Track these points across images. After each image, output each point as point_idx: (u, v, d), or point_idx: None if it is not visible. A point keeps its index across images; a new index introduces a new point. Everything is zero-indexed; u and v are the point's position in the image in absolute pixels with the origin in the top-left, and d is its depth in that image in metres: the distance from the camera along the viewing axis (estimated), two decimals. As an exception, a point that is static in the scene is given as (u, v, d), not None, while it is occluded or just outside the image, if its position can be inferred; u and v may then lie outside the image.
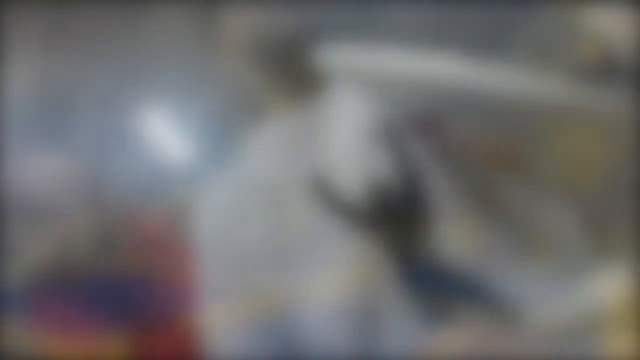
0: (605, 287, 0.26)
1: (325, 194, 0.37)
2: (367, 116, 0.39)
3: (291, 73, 0.45)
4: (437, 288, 0.32)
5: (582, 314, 0.26)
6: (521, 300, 0.31)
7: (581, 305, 0.27)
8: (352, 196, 0.36)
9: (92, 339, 0.51)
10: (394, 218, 0.34)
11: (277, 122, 0.45)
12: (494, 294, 0.31)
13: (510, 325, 0.30)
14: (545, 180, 0.27)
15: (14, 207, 0.53)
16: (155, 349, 0.53)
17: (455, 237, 0.33)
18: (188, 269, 0.62)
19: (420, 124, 0.28)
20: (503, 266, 0.32)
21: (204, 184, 0.48)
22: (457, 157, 0.33)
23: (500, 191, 0.34)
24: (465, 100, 0.19)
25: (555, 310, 0.28)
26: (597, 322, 0.25)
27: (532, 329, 0.28)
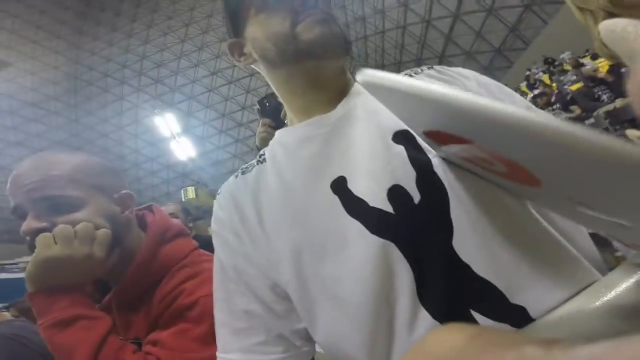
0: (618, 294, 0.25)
1: (347, 198, 0.37)
2: (388, 123, 0.40)
3: (316, 81, 0.46)
4: (452, 292, 0.32)
5: (594, 320, 0.26)
6: (534, 305, 0.30)
7: (593, 312, 0.26)
8: (373, 200, 0.36)
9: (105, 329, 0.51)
10: (414, 223, 0.34)
11: (301, 128, 0.46)
12: (507, 299, 0.31)
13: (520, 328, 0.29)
14: (560, 197, 0.26)
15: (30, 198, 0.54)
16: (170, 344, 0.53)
17: (473, 244, 0.33)
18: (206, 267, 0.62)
19: (440, 135, 0.28)
20: (517, 271, 0.32)
21: (225, 185, 0.49)
22: (475, 167, 0.32)
23: (517, 202, 0.34)
24: (488, 128, 0.19)
25: (567, 317, 0.27)
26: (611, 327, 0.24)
27: (543, 333, 0.27)
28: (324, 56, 0.44)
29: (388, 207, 0.35)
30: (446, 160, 0.36)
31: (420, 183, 0.35)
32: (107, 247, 0.56)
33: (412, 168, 0.36)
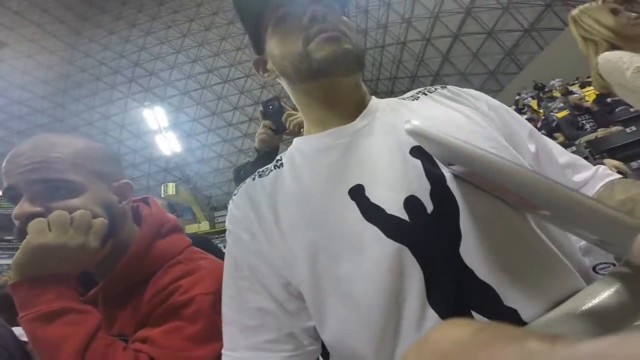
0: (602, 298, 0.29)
1: (365, 205, 0.39)
2: (406, 138, 0.41)
3: (333, 96, 0.48)
4: (457, 294, 0.34)
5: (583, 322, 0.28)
6: (525, 309, 0.33)
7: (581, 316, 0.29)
8: (390, 208, 0.38)
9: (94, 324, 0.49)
10: (427, 231, 0.37)
11: (321, 137, 0.47)
12: (501, 301, 0.34)
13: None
14: (562, 223, 0.30)
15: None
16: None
17: (477, 251, 0.35)
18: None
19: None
20: (512, 277, 0.34)
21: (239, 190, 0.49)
22: (483, 186, 0.35)
23: (518, 215, 0.37)
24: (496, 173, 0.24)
25: (556, 321, 0.30)
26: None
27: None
28: (337, 74, 0.45)
29: (404, 215, 0.37)
30: (457, 176, 0.39)
31: (434, 195, 0.38)
32: (102, 238, 0.53)
33: (427, 181, 0.39)
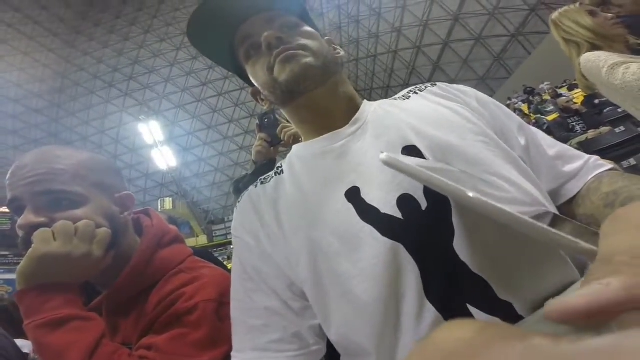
0: None
1: (360, 206, 0.40)
2: (398, 139, 0.43)
3: (317, 109, 0.49)
4: (453, 287, 0.35)
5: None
6: (519, 302, 0.34)
7: None
8: (384, 208, 0.39)
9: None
10: (421, 226, 0.38)
11: (317, 142, 0.49)
12: (495, 294, 0.34)
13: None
14: None
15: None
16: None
17: (470, 245, 0.36)
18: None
19: None
20: (505, 270, 0.35)
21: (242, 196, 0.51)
22: None
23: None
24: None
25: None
26: None
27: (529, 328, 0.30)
28: (306, 90, 0.46)
29: (397, 214, 0.39)
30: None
31: (427, 192, 0.39)
32: (106, 247, 0.54)
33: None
